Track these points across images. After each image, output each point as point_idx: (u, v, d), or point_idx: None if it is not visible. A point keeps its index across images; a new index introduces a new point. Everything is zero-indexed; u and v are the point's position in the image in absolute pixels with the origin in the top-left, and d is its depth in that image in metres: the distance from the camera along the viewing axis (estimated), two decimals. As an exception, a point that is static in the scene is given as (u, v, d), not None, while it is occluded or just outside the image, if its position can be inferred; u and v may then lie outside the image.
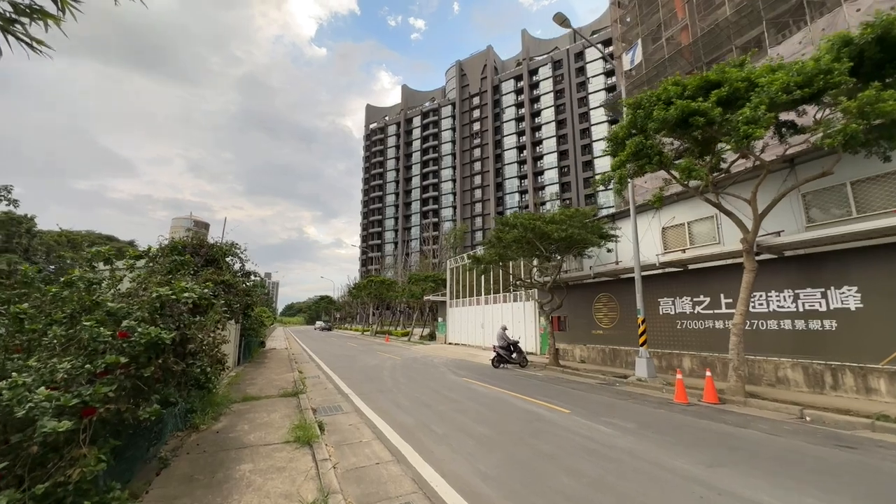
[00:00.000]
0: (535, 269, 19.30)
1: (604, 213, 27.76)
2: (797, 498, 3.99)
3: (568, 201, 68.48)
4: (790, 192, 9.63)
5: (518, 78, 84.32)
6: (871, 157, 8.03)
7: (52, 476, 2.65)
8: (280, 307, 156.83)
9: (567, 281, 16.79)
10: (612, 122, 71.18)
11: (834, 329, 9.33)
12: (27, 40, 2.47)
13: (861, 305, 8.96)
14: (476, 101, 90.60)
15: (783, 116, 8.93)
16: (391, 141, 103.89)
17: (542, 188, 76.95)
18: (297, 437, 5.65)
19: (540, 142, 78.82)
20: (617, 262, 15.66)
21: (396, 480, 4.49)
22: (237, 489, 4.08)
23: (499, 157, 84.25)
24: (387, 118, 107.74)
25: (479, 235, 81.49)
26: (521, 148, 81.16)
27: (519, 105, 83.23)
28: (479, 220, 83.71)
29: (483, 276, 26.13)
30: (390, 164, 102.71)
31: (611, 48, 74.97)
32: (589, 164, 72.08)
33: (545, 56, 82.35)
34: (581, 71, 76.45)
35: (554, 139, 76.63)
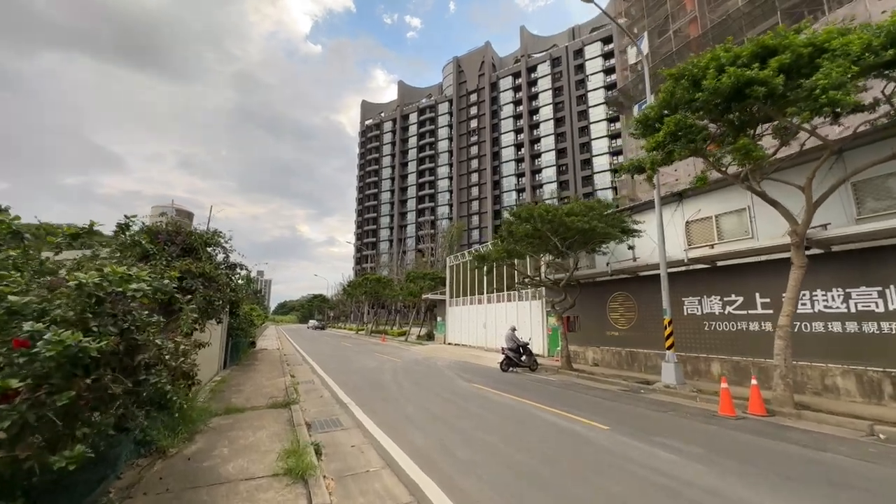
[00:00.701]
0: (543, 267, 18.23)
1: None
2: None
3: (566, 200, 67.63)
4: (847, 179, 8.62)
5: (516, 75, 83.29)
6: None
7: None
8: (272, 305, 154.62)
9: (579, 279, 15.75)
10: (611, 119, 70.43)
11: (894, 332, 8.34)
12: None
13: (927, 306, 7.99)
14: (473, 98, 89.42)
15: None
16: (387, 138, 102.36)
17: (540, 186, 76.08)
18: (288, 469, 4.48)
19: (538, 140, 77.88)
20: (634, 259, 14.63)
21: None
22: (203, 558, 2.90)
23: (496, 155, 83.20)
24: (382, 114, 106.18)
25: (475, 234, 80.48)
26: (518, 146, 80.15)
27: (517, 102, 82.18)
28: (475, 219, 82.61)
29: (486, 275, 25.03)
30: (386, 161, 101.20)
31: (611, 45, 74.57)
32: (587, 163, 71.34)
33: (544, 53, 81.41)
34: (580, 69, 75.61)
35: (552, 137, 75.76)
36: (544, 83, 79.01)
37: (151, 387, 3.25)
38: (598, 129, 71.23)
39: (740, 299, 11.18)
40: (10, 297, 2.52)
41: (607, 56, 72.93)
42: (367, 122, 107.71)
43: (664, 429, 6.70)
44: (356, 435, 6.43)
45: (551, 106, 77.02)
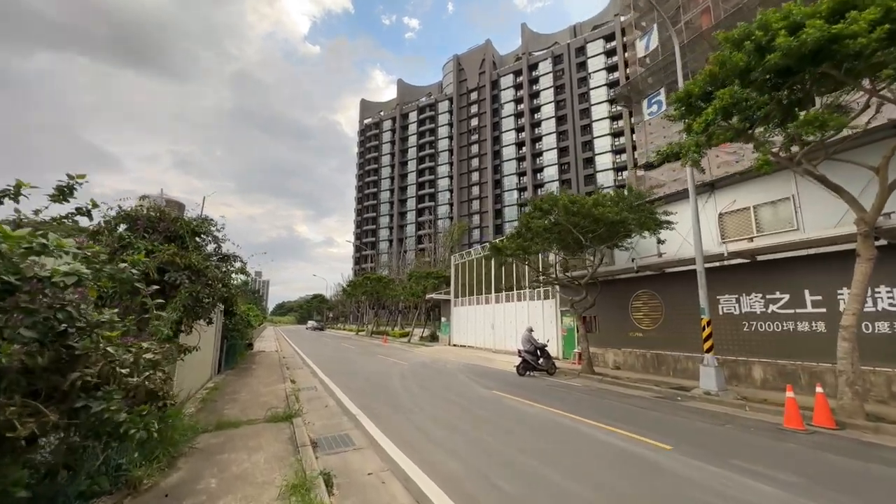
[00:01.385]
0: (556, 264, 17.21)
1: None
2: None
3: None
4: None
5: (517, 73, 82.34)
6: None
7: None
8: (270, 306, 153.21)
9: (598, 276, 14.74)
10: (614, 118, 69.62)
11: (980, 333, 7.36)
12: None
13: None
14: (474, 96, 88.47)
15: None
16: (386, 136, 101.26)
17: (542, 185, 75.09)
18: (293, 513, 3.43)
19: (539, 138, 76.97)
20: (660, 255, 13.63)
21: None
22: None
23: (497, 154, 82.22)
24: (382, 113, 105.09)
25: (476, 234, 79.44)
26: (520, 144, 79.21)
27: (518, 100, 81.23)
28: (476, 218, 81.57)
29: (493, 273, 24.01)
30: (385, 160, 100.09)
31: (613, 43, 73.78)
32: (590, 161, 70.49)
33: (545, 51, 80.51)
34: (582, 66, 74.76)
35: (554, 135, 74.87)
36: (546, 81, 78.11)
37: (94, 417, 2.21)
38: (601, 128, 70.40)
39: (786, 297, 10.18)
40: None
41: (609, 53, 72.13)
42: (367, 121, 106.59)
43: (736, 448, 5.67)
44: (372, 458, 5.38)
45: (553, 104, 76.12)
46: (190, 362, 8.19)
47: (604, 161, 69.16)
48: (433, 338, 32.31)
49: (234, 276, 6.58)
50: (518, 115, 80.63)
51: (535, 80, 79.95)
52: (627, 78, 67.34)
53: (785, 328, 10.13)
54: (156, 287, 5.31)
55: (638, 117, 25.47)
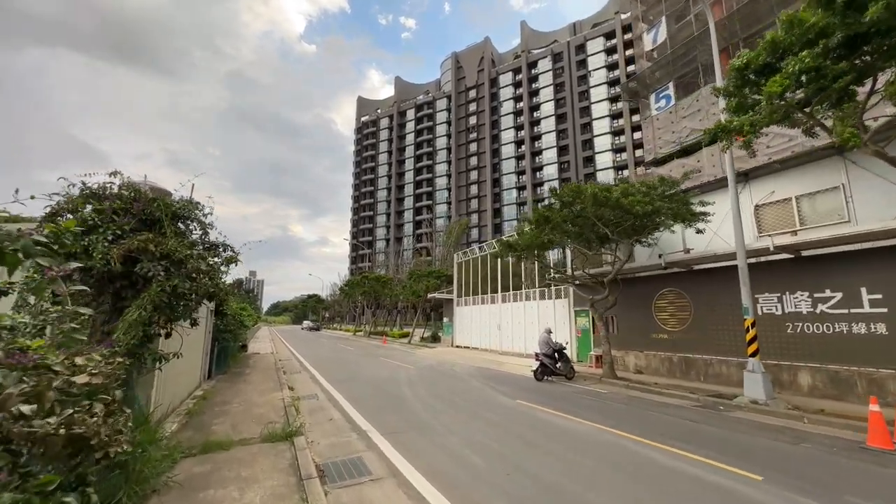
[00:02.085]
0: (573, 260, 16.24)
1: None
2: None
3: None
4: None
5: (517, 71, 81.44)
6: None
7: None
8: (265, 306, 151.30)
9: (616, 274, 13.78)
10: (614, 116, 68.93)
11: None
12: None
13: None
14: (473, 94, 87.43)
15: None
16: (384, 134, 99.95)
17: (541, 184, 74.25)
18: None
19: (539, 136, 76.12)
20: (687, 251, 12.66)
21: None
22: None
23: (496, 152, 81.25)
24: (379, 111, 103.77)
25: (475, 233, 78.34)
26: (519, 143, 78.30)
27: (517, 98, 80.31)
28: (475, 217, 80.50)
29: (500, 271, 22.99)
30: (382, 158, 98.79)
31: (613, 41, 73.17)
32: (590, 160, 69.73)
33: (544, 49, 79.71)
34: (582, 64, 74.05)
35: (553, 134, 74.04)
36: (545, 79, 77.27)
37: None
38: (601, 126, 69.70)
39: (838, 295, 9.24)
40: None
41: (610, 51, 71.48)
42: (364, 119, 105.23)
43: (837, 477, 4.68)
44: (395, 493, 4.32)
45: (553, 102, 75.30)
46: (172, 371, 7.08)
47: (604, 160, 68.44)
48: (434, 339, 31.24)
49: (223, 268, 5.47)
50: (517, 113, 79.70)
51: (534, 79, 79.10)
52: (628, 76, 66.80)
53: (837, 330, 9.18)
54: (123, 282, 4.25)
55: (645, 112, 24.58)
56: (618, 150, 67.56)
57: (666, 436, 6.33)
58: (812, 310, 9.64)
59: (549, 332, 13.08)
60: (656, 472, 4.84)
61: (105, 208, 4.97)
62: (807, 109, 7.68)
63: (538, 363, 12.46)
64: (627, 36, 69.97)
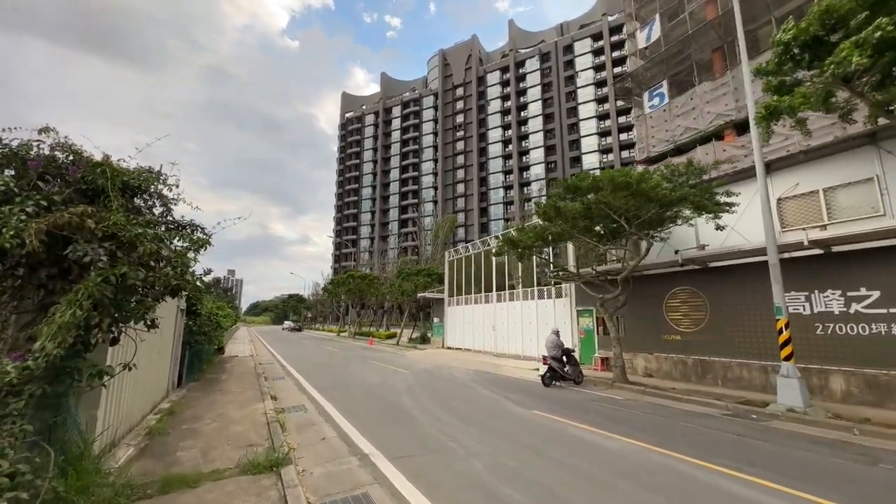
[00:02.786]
0: (577, 256, 15.41)
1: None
2: None
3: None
4: None
5: (504, 70, 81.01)
6: None
7: None
8: (244, 306, 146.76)
9: (631, 271, 13.02)
10: (601, 117, 69.20)
11: None
12: None
13: None
14: (460, 91, 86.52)
15: None
16: (369, 131, 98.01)
17: (528, 184, 74.04)
18: None
19: (526, 136, 75.84)
20: (702, 247, 11.97)
21: None
22: None
23: (483, 151, 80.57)
24: (364, 107, 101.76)
25: (461, 232, 77.39)
26: (506, 142, 77.84)
27: (505, 97, 79.88)
28: (461, 216, 79.59)
29: (494, 269, 22.06)
30: (367, 155, 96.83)
31: (600, 42, 73.45)
32: (577, 160, 69.77)
33: (532, 49, 79.55)
34: (569, 64, 74.17)
35: (541, 133, 73.87)
36: (533, 78, 77.08)
37: None
38: (588, 127, 69.93)
39: (875, 294, 8.60)
40: None
41: (597, 52, 71.80)
42: (348, 115, 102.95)
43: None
44: (421, 551, 3.23)
45: (540, 101, 75.14)
46: (130, 381, 5.79)
47: (591, 160, 68.58)
48: (423, 340, 30.10)
49: (190, 254, 4.25)
50: (505, 112, 79.25)
51: (522, 78, 78.81)
52: (615, 77, 67.07)
53: (874, 331, 8.55)
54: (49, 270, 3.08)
55: (638, 111, 24.14)
56: (605, 150, 67.85)
57: (717, 454, 5.44)
58: (845, 309, 9.00)
59: (557, 333, 12.17)
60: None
61: (28, 174, 3.72)
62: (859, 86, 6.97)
63: (546, 367, 11.54)
64: (615, 38, 70.46)
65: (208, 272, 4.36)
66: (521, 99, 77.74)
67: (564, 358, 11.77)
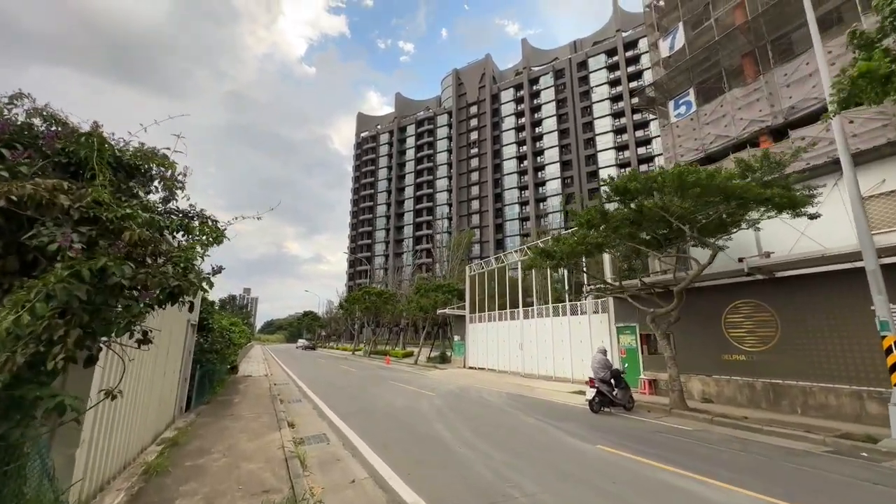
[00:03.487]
0: (608, 267, 14.18)
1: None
2: None
3: (571, 213, 64.06)
4: None
5: (518, 87, 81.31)
6: None
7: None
8: (259, 324, 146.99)
9: (667, 284, 11.77)
10: (618, 131, 68.29)
11: None
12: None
13: None
14: (474, 110, 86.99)
15: None
16: (383, 150, 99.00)
17: (544, 199, 73.04)
18: None
19: (542, 151, 75.27)
20: (767, 254, 10.66)
21: None
22: None
23: (497, 168, 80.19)
24: (379, 126, 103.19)
25: (476, 249, 76.31)
26: (521, 158, 77.37)
27: (519, 114, 79.90)
28: (476, 233, 78.61)
29: (519, 283, 20.85)
30: (382, 174, 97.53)
31: (615, 57, 73.33)
32: (594, 174, 68.62)
33: (546, 66, 79.88)
34: (584, 80, 74.00)
35: (556, 149, 73.19)
36: (547, 95, 77.02)
37: None
38: (605, 141, 69.04)
39: None
40: None
41: (612, 68, 71.54)
42: (364, 134, 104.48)
43: None
44: None
45: (555, 117, 74.78)
46: (123, 411, 4.82)
47: (608, 174, 67.21)
48: (443, 359, 28.71)
49: (198, 249, 3.31)
50: (519, 128, 79.11)
51: (536, 94, 78.85)
52: (632, 92, 66.44)
53: None
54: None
55: (664, 121, 23.15)
56: (622, 165, 66.63)
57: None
58: (962, 324, 7.56)
59: (605, 352, 10.86)
60: None
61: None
62: None
63: (594, 391, 10.20)
64: (630, 53, 70.23)
65: (219, 270, 3.38)
66: (536, 115, 77.57)
67: (614, 381, 10.44)
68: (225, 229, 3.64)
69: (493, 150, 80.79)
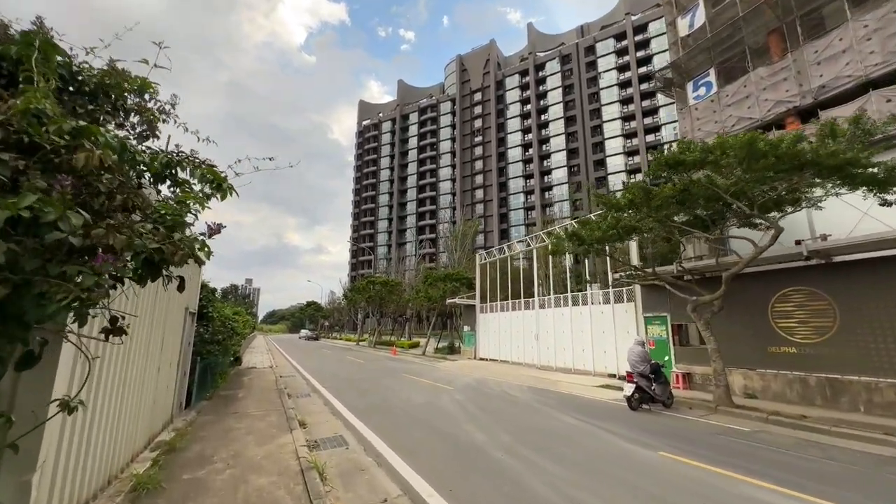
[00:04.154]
0: (635, 253, 13.20)
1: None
2: None
3: (577, 202, 62.94)
4: None
5: (523, 73, 79.37)
6: None
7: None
8: (261, 315, 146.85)
9: (704, 270, 10.79)
10: (626, 118, 66.61)
11: None
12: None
13: None
14: (477, 97, 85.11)
15: None
16: (386, 138, 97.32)
17: (550, 188, 71.70)
18: None
19: (547, 140, 73.67)
20: (822, 237, 9.65)
21: None
22: None
23: (502, 156, 78.67)
24: (381, 114, 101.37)
25: (479, 238, 75.24)
26: (526, 146, 75.78)
27: (524, 101, 78.10)
28: (480, 222, 77.44)
29: (535, 272, 19.90)
30: (384, 162, 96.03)
31: (624, 42, 71.26)
32: (601, 163, 67.26)
33: (552, 51, 77.81)
34: (592, 66, 72.06)
35: (562, 137, 71.58)
36: (553, 81, 75.15)
37: None
38: (612, 128, 67.43)
39: None
40: None
41: (621, 53, 69.59)
42: (365, 123, 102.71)
43: None
44: None
45: (561, 104, 73.03)
46: (104, 418, 3.89)
47: (616, 163, 66.03)
48: (452, 349, 27.92)
49: (191, 203, 2.36)
50: (524, 115, 77.36)
51: (542, 81, 76.95)
52: (640, 77, 64.62)
53: None
54: None
55: (681, 104, 21.94)
56: (630, 152, 65.16)
57: None
58: None
59: (642, 343, 9.95)
60: None
61: None
62: None
63: (632, 386, 9.30)
64: (639, 37, 68.19)
65: (218, 229, 2.40)
66: (542, 102, 75.78)
67: (653, 375, 9.54)
68: (225, 178, 2.66)
69: (497, 139, 79.20)
